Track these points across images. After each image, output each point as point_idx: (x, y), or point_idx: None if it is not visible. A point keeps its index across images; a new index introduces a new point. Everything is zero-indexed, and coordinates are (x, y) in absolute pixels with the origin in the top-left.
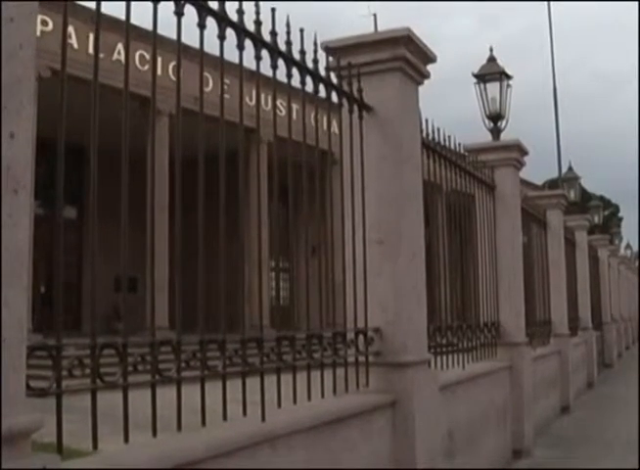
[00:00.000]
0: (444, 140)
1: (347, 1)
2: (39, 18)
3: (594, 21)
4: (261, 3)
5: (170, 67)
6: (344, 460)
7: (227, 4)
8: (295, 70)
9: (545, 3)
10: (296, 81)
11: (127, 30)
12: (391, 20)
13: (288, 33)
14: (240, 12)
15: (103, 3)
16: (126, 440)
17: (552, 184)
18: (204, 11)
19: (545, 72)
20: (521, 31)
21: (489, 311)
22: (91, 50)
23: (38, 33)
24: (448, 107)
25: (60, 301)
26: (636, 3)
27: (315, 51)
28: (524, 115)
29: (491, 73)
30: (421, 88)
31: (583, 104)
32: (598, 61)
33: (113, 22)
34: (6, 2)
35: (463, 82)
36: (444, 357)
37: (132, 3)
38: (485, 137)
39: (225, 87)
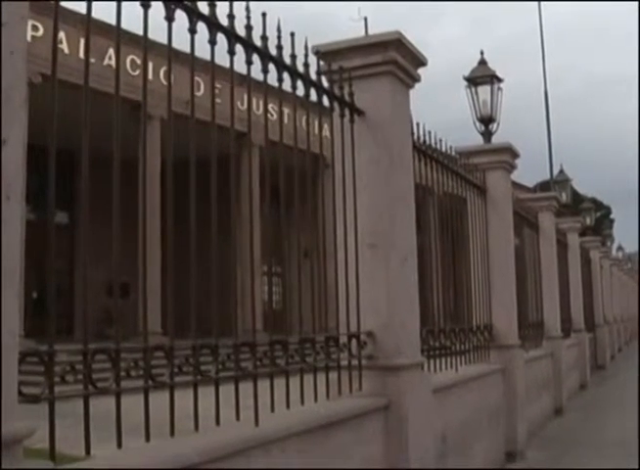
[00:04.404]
0: (435, 143)
1: (340, 1)
2: (30, 23)
3: (585, 24)
4: (252, 7)
5: (162, 71)
6: (338, 464)
7: (217, 8)
8: (286, 75)
9: (536, 6)
10: (287, 85)
11: (118, 35)
12: (382, 23)
13: (279, 38)
14: (230, 16)
15: (94, 8)
16: (119, 445)
17: (543, 186)
18: (194, 16)
19: (537, 75)
20: (513, 35)
21: (482, 314)
22: (82, 55)
23: (29, 39)
24: (439, 110)
25: (52, 306)
26: (628, 5)
27: (306, 55)
28: (515, 117)
29: (482, 77)
30: (412, 91)
31: (575, 106)
32: (590, 64)
33: (103, 26)
34: None
35: (454, 85)
36: (437, 360)
37: (123, 8)
38: (477, 140)
39: (216, 91)
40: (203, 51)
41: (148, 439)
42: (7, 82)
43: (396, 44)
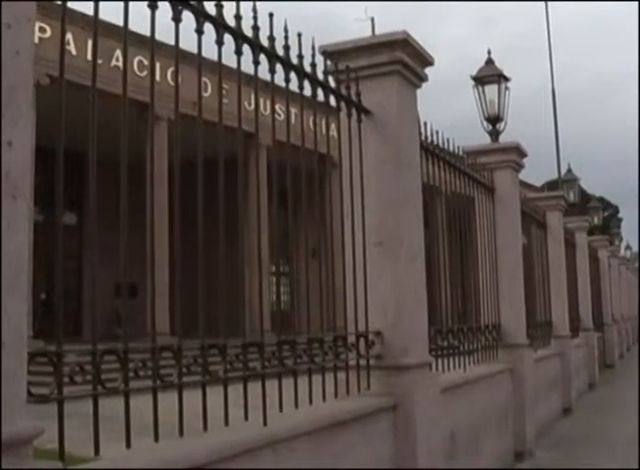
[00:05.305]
0: (443, 143)
1: (346, 1)
2: (37, 25)
3: (593, 22)
4: (259, 8)
5: (169, 72)
6: (346, 463)
7: (224, 9)
8: (293, 75)
9: (543, 5)
10: (294, 86)
11: (125, 36)
12: (388, 23)
13: (286, 38)
14: (237, 17)
15: (101, 9)
16: (128, 445)
17: (551, 185)
18: (201, 16)
19: (544, 74)
20: (519, 34)
21: (490, 313)
22: (89, 56)
23: (36, 40)
24: (446, 109)
25: (60, 307)
26: (634, 4)
27: (313, 55)
28: (522, 116)
29: (489, 76)
30: (419, 91)
31: (582, 105)
32: (597, 62)
33: (111, 28)
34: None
35: (461, 85)
36: (446, 360)
37: (130, 9)
38: (484, 139)
39: (224, 92)
40: (210, 52)
41: (157, 439)
42: (13, 83)
43: (403, 44)
